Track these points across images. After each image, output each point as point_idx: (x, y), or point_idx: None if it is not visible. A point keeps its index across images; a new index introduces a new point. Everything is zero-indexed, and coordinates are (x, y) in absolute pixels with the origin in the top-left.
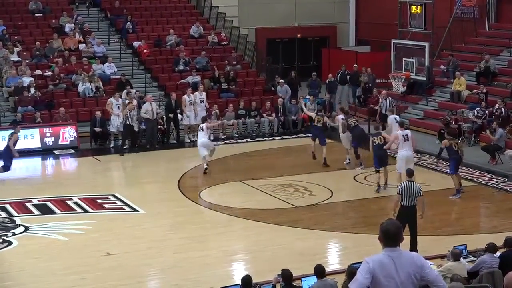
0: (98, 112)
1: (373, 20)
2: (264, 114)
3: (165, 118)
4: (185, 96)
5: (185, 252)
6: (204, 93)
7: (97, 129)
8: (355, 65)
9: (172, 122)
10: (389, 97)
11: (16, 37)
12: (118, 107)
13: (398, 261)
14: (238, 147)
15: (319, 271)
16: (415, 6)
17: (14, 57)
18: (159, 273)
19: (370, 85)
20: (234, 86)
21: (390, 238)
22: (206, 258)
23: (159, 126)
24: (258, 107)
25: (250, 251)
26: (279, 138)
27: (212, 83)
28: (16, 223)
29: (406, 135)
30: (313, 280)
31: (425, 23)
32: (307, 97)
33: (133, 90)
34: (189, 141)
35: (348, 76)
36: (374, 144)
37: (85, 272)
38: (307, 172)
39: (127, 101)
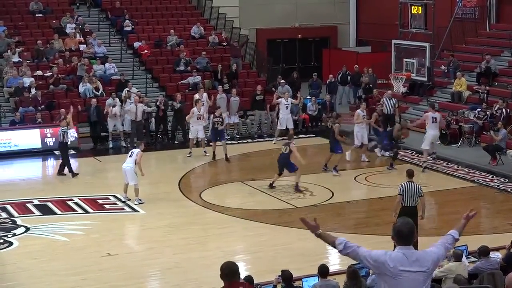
0: (94, 100)
1: (373, 20)
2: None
3: (172, 118)
4: (194, 97)
5: (185, 252)
6: (204, 94)
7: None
8: (356, 65)
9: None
10: (393, 98)
11: (16, 38)
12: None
13: (411, 258)
14: (238, 147)
15: (323, 271)
16: (415, 7)
17: (15, 58)
18: (160, 274)
19: (371, 85)
20: (236, 85)
21: (403, 238)
22: (207, 259)
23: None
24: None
25: (250, 251)
26: (280, 138)
27: (212, 83)
28: (17, 223)
29: (435, 117)
30: (314, 280)
31: (426, 24)
32: (308, 97)
33: (134, 89)
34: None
35: (349, 77)
36: (282, 152)
37: (86, 273)
38: (308, 172)
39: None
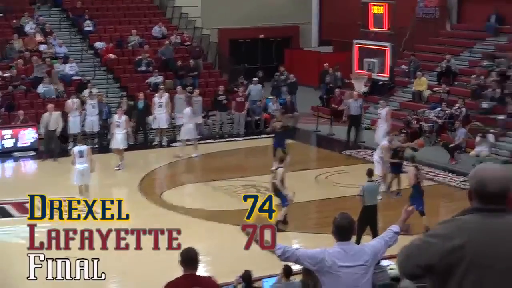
0: (47, 114)
1: (336, 20)
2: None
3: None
4: (155, 98)
5: (144, 255)
6: (165, 95)
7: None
8: (326, 64)
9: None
10: (360, 98)
11: None
12: (76, 109)
13: (350, 253)
14: (200, 148)
15: (287, 271)
16: (377, 7)
17: None
18: (119, 276)
19: (332, 85)
20: (197, 85)
21: (342, 233)
22: (167, 261)
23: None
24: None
25: (211, 252)
26: (242, 138)
27: (174, 84)
28: None
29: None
30: (273, 281)
31: (387, 24)
32: (270, 97)
33: (94, 90)
34: (157, 142)
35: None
36: None
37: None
38: (269, 172)
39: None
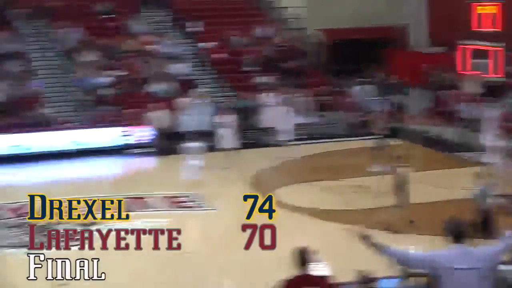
0: (155, 112)
1: (443, 20)
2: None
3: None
4: (261, 97)
5: (257, 252)
6: (272, 95)
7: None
8: (434, 65)
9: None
10: (473, 101)
11: (87, 38)
12: (187, 107)
13: (463, 255)
14: (306, 148)
15: (407, 273)
16: (487, 6)
17: (87, 58)
18: (228, 272)
19: (441, 87)
20: (304, 85)
21: (455, 235)
22: (280, 258)
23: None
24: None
25: (325, 251)
26: (349, 139)
27: (280, 83)
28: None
29: None
30: (390, 282)
31: (499, 23)
32: (376, 98)
33: (201, 90)
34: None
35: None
36: None
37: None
38: (374, 174)
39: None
